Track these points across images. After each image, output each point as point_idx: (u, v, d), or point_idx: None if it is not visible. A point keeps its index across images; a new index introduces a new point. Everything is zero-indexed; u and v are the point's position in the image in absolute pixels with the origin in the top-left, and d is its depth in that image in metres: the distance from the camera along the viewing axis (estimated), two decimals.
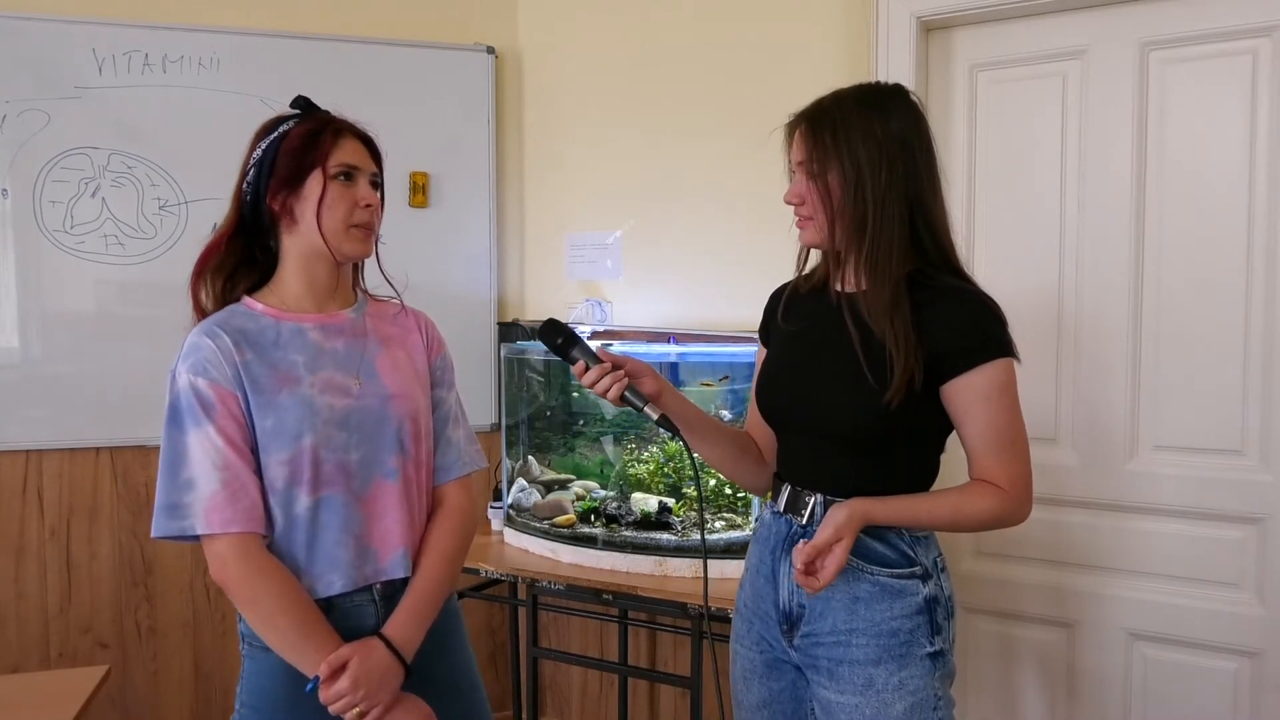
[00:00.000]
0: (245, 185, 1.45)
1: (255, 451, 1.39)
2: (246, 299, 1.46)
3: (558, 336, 1.49)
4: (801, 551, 1.33)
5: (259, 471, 1.39)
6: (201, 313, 1.45)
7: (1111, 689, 2.25)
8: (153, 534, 1.35)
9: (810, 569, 1.33)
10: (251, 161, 1.44)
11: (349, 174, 1.44)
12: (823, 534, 1.33)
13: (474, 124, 3.00)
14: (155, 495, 1.36)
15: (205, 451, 1.34)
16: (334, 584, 1.41)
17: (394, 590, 1.46)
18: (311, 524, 1.40)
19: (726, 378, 2.47)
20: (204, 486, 1.34)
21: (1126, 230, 2.19)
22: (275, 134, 1.44)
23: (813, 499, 1.44)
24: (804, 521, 1.45)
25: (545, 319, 1.51)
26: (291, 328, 1.44)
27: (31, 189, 2.68)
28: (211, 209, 2.77)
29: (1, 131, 2.65)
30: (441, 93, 2.97)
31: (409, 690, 1.41)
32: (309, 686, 1.35)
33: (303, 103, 1.48)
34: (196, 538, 1.35)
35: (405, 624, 1.43)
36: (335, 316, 1.49)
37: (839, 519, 1.34)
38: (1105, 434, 2.24)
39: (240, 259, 1.47)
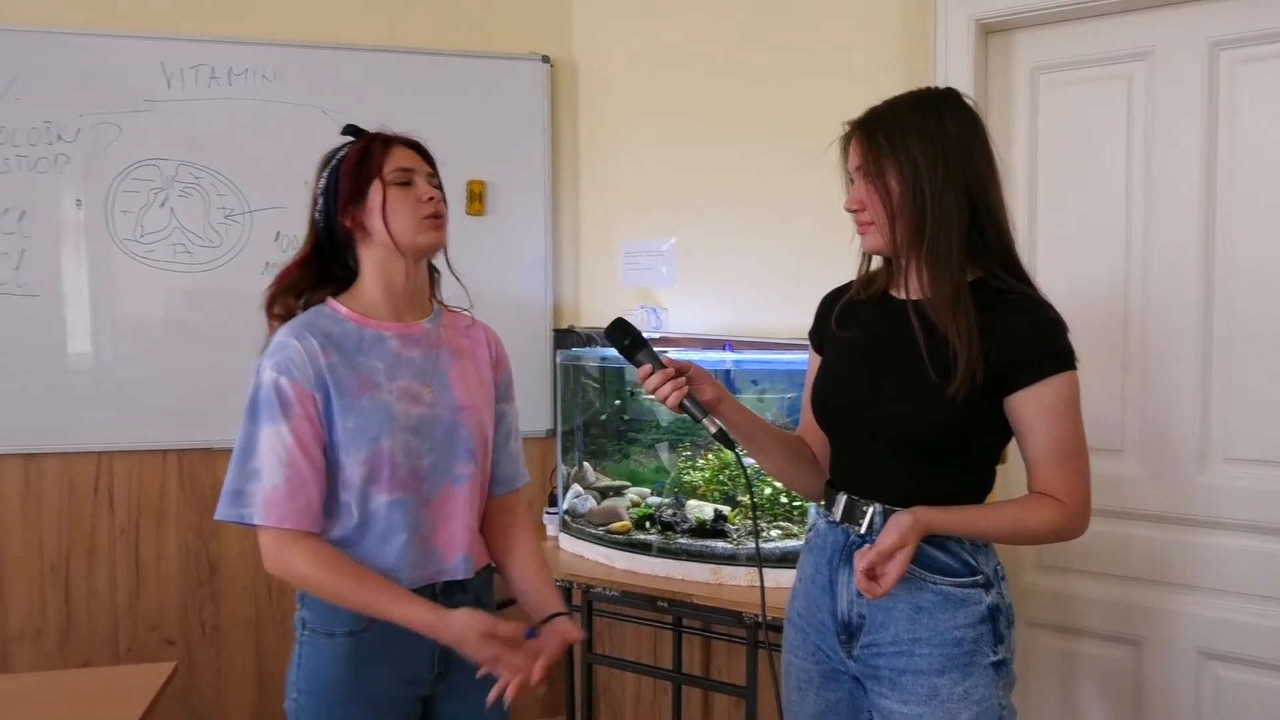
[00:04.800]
0: (316, 213, 1.55)
1: (333, 450, 1.46)
2: (330, 301, 1.54)
3: (625, 337, 1.50)
4: (866, 556, 1.32)
5: (335, 470, 1.46)
6: (276, 319, 1.53)
7: (1181, 710, 2.18)
8: (215, 516, 1.43)
9: (871, 575, 1.32)
10: (319, 191, 1.55)
11: (407, 179, 1.52)
12: (886, 540, 1.32)
13: (529, 132, 3.03)
14: (225, 480, 1.44)
15: (274, 447, 1.41)
16: (399, 580, 1.47)
17: (453, 589, 1.52)
18: (384, 522, 1.47)
19: (791, 396, 2.45)
20: (267, 479, 1.41)
21: (1195, 234, 2.13)
22: (334, 161, 1.54)
23: (871, 508, 1.43)
24: (862, 531, 1.43)
25: (613, 319, 1.52)
26: (373, 335, 1.51)
27: (104, 199, 2.77)
28: (275, 218, 2.84)
29: (76, 144, 2.74)
30: (498, 102, 3.00)
31: (457, 678, 1.51)
32: (528, 632, 1.45)
33: (352, 129, 1.58)
34: (250, 525, 1.43)
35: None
36: (413, 326, 1.56)
37: (903, 526, 1.33)
38: (1173, 445, 2.18)
39: (313, 281, 1.56)
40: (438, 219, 1.53)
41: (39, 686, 1.83)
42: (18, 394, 2.73)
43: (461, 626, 1.40)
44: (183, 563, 2.89)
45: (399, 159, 1.52)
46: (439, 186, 1.57)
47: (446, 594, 1.52)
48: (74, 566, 2.82)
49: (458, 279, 1.62)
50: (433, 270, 1.64)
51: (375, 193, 1.49)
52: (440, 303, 1.65)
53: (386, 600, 1.42)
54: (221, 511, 1.43)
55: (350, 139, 1.57)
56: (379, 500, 1.46)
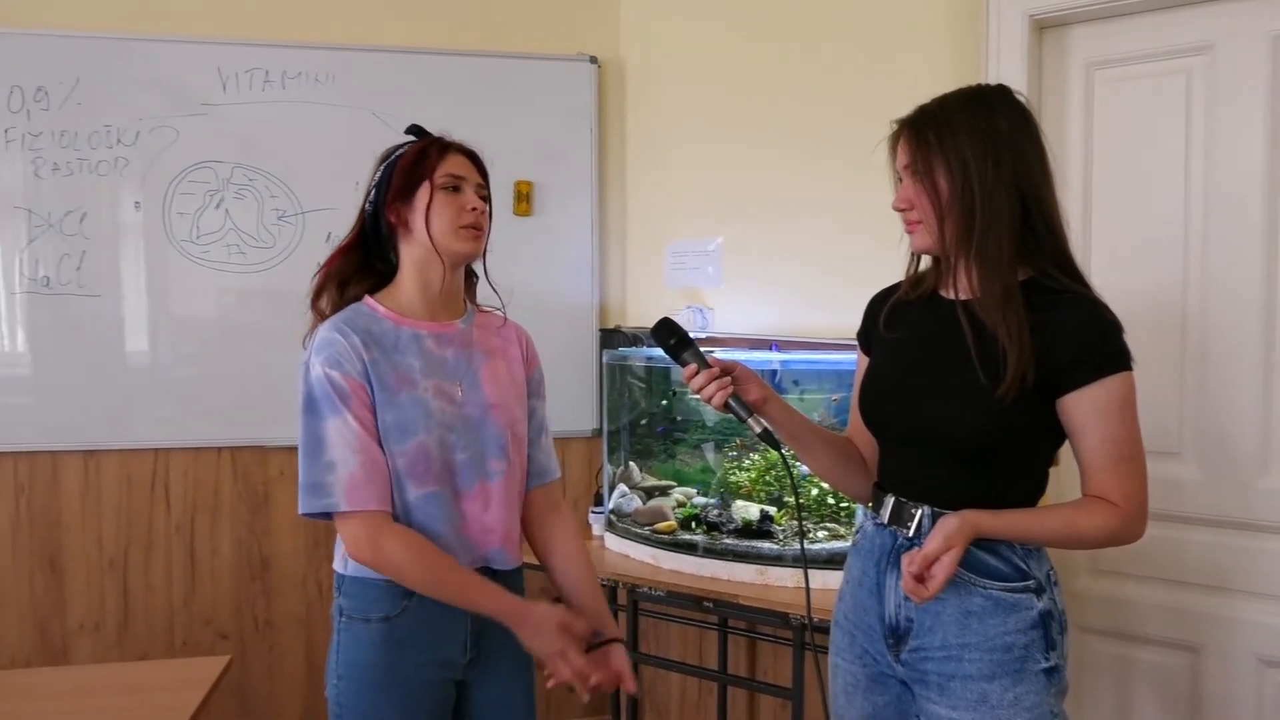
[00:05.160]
0: (367, 204, 1.60)
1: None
2: (368, 299, 1.59)
3: (671, 337, 1.51)
4: (913, 559, 1.31)
5: None
6: (320, 312, 1.58)
7: (1241, 718, 2.13)
8: (300, 511, 1.48)
9: (919, 578, 1.31)
10: (373, 184, 1.61)
11: (456, 185, 1.57)
12: (933, 542, 1.31)
13: (577, 133, 3.04)
14: (299, 477, 1.49)
15: (343, 436, 1.47)
16: None
17: (492, 578, 1.56)
18: (421, 514, 1.51)
19: (838, 398, 2.43)
20: (343, 468, 1.46)
21: (1258, 233, 2.08)
22: (392, 158, 1.60)
23: (919, 511, 1.42)
24: (910, 534, 1.42)
25: (660, 319, 1.53)
26: (409, 333, 1.56)
27: (162, 201, 2.83)
28: (326, 219, 2.88)
29: (135, 147, 2.81)
30: (546, 102, 3.02)
31: (487, 665, 1.58)
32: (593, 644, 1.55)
33: (415, 129, 1.65)
34: (329, 515, 1.48)
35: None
36: (447, 326, 1.60)
37: (950, 528, 1.32)
38: (1233, 448, 2.12)
39: (356, 269, 1.61)
40: (476, 230, 1.57)
41: (99, 678, 1.88)
42: (79, 392, 2.81)
43: (542, 617, 1.49)
44: (236, 558, 2.95)
45: (452, 165, 1.57)
46: (487, 198, 1.62)
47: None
48: (132, 561, 2.89)
49: (493, 287, 1.66)
50: (470, 273, 1.69)
51: (423, 193, 1.55)
52: (474, 304, 1.70)
53: (476, 589, 1.49)
54: (305, 506, 1.47)
55: (412, 138, 1.62)
56: (415, 493, 1.51)
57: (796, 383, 2.48)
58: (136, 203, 2.82)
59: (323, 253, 1.67)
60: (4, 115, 2.74)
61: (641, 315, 3.07)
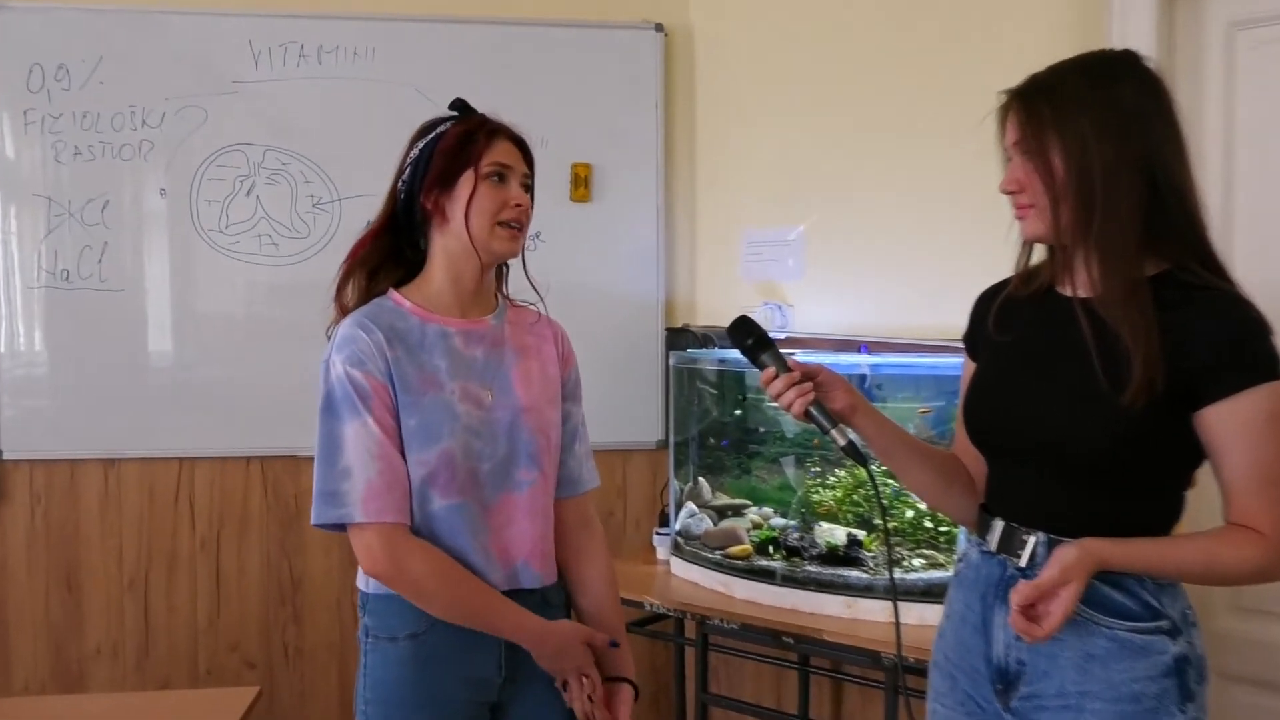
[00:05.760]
0: (400, 184, 1.62)
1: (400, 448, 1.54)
2: (393, 293, 1.62)
3: (748, 336, 1.51)
4: (1021, 592, 1.28)
5: None
6: (342, 307, 1.61)
7: None
8: (313, 521, 1.52)
9: (1031, 614, 1.28)
10: (408, 161, 1.62)
11: (501, 175, 1.59)
12: (1047, 574, 1.29)
13: (641, 110, 3.06)
14: (314, 484, 1.52)
15: (362, 441, 1.50)
16: None
17: (519, 594, 1.59)
18: (444, 525, 1.55)
19: (929, 409, 2.40)
20: (360, 475, 1.49)
21: None
22: (432, 134, 1.61)
23: (1032, 538, 1.39)
24: (1022, 564, 1.40)
25: (737, 316, 1.54)
26: (436, 330, 1.59)
27: (188, 188, 2.91)
28: (365, 206, 2.90)
29: (161, 129, 2.89)
30: (605, 76, 3.03)
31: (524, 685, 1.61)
32: (613, 643, 1.63)
33: (460, 104, 1.64)
34: (343, 527, 1.51)
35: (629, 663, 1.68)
36: (477, 323, 1.63)
37: (1068, 559, 1.29)
38: None
39: (386, 255, 1.64)
40: (517, 229, 1.60)
41: (118, 709, 1.94)
42: (99, 394, 2.90)
43: (563, 637, 1.57)
44: (265, 578, 3.01)
45: (499, 153, 1.59)
46: (530, 189, 1.63)
47: (512, 597, 1.58)
48: (153, 579, 2.97)
49: (530, 281, 1.68)
50: (503, 266, 1.71)
51: (466, 183, 1.56)
52: (506, 298, 1.72)
53: (498, 611, 1.54)
54: (318, 515, 1.51)
55: (455, 115, 1.63)
56: (438, 503, 1.54)
57: (879, 387, 2.45)
58: (162, 190, 2.91)
59: None
60: (23, 95, 2.84)
61: (712, 313, 3.07)
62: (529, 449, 1.61)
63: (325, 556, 3.01)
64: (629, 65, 3.05)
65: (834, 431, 1.45)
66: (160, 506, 2.97)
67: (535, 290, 1.68)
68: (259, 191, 2.93)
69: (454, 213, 1.57)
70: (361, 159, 2.89)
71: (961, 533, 2.22)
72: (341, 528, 1.51)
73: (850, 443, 1.45)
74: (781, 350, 1.49)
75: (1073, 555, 1.29)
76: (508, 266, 1.72)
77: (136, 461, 2.94)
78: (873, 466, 1.56)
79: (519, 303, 1.73)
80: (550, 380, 1.69)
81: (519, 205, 1.59)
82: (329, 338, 1.59)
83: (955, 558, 2.27)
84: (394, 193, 1.63)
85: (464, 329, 1.61)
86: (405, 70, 2.93)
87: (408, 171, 1.61)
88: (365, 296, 1.61)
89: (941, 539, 2.37)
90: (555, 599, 1.67)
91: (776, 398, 1.46)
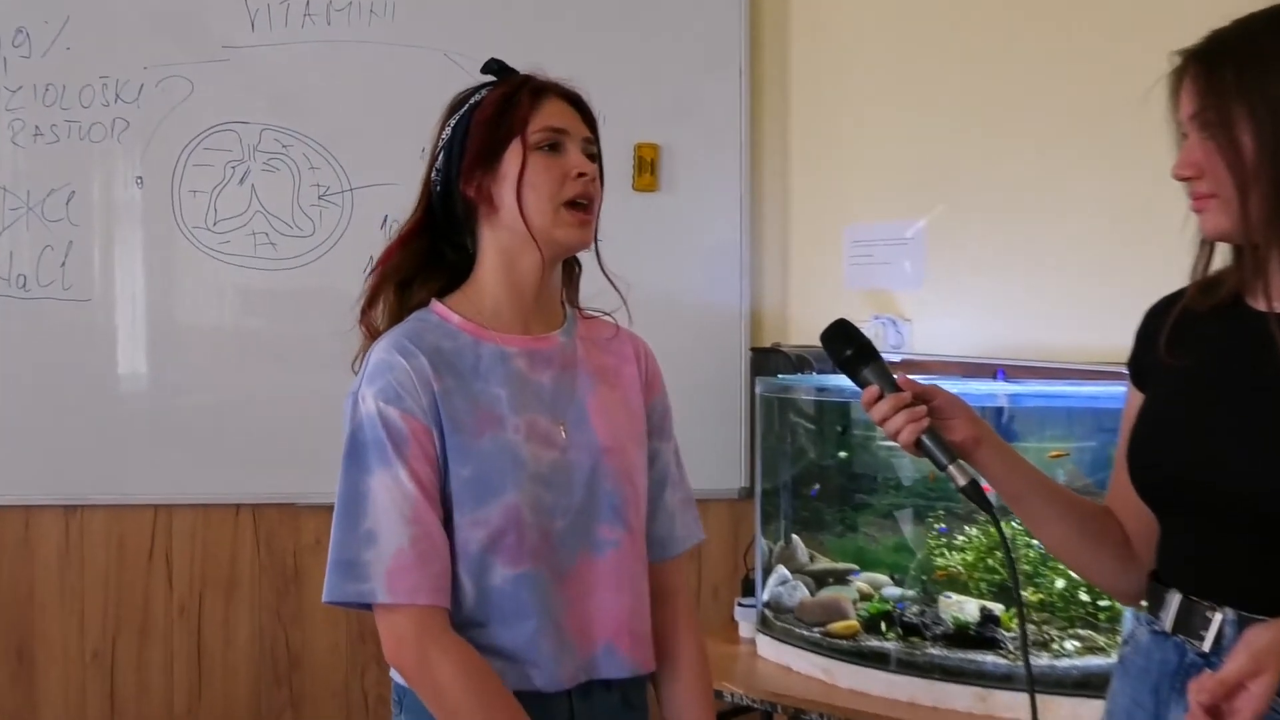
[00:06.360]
0: (434, 173, 1.59)
1: (445, 505, 1.49)
2: (437, 305, 1.58)
3: (847, 346, 1.49)
4: (1205, 685, 1.27)
5: (446, 532, 1.49)
6: (372, 328, 1.58)
7: None
8: (324, 597, 1.48)
9: (1216, 712, 1.26)
10: (440, 144, 1.59)
11: (555, 143, 1.53)
12: (1234, 664, 1.27)
13: (720, 79, 3.07)
14: (330, 549, 1.49)
15: (393, 499, 1.45)
16: (531, 678, 1.49)
17: (592, 690, 1.54)
18: (510, 603, 1.49)
19: (1062, 453, 2.38)
20: (388, 543, 1.44)
21: None
22: (466, 107, 1.57)
23: (1218, 615, 1.38)
24: (1205, 648, 1.38)
25: (834, 320, 1.52)
26: (493, 351, 1.54)
27: (170, 175, 2.97)
28: (382, 198, 2.96)
29: (138, 105, 2.96)
30: (676, 37, 3.05)
31: None
32: None
33: (495, 66, 1.60)
34: (369, 606, 1.47)
35: None
36: (544, 340, 1.59)
37: (1259, 644, 1.27)
38: None
39: (424, 262, 1.61)
40: (585, 211, 1.54)
41: None
42: (60, 427, 2.95)
43: None
44: (256, 653, 3.04)
45: (550, 115, 1.53)
46: (597, 157, 1.59)
47: (583, 696, 1.54)
48: (121, 652, 3.02)
49: (610, 279, 1.63)
50: (573, 264, 1.67)
51: (513, 156, 1.51)
52: (575, 307, 1.68)
53: None
54: (332, 591, 1.47)
55: (491, 79, 1.59)
56: (501, 574, 1.49)
57: (1011, 419, 2.44)
58: (138, 178, 2.97)
59: (377, 244, 1.69)
60: None
61: (809, 329, 3.06)
62: (612, 500, 1.56)
63: (331, 629, 3.03)
64: (705, 22, 3.06)
65: (951, 468, 1.43)
66: (131, 563, 3.01)
67: (616, 291, 1.62)
68: (254, 180, 2.98)
69: (503, 197, 1.52)
70: (378, 141, 2.94)
71: (1128, 610, 2.19)
72: (365, 606, 1.47)
73: (973, 481, 1.43)
74: (896, 374, 1.48)
75: (1267, 638, 1.27)
76: (579, 265, 1.67)
77: (103, 509, 2.99)
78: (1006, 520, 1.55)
79: (590, 312, 1.68)
80: (634, 412, 1.64)
81: (582, 175, 1.52)
82: (356, 370, 1.54)
83: (1120, 640, 2.24)
84: (428, 185, 1.60)
85: (528, 348, 1.56)
86: (433, 32, 2.97)
87: (441, 156, 1.57)
88: (398, 316, 1.57)
89: (1102, 616, 2.35)
90: (638, 699, 1.62)
91: (882, 423, 1.44)
